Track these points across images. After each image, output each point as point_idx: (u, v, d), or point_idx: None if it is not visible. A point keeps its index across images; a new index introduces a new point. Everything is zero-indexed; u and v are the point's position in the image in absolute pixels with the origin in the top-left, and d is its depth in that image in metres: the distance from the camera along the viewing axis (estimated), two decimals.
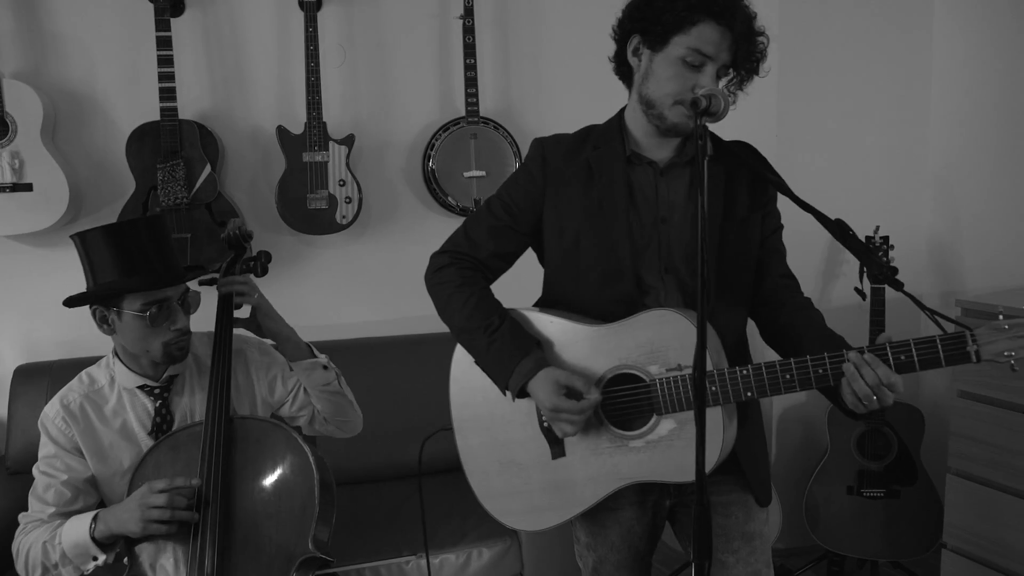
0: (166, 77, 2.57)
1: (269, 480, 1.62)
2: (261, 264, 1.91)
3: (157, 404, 1.74)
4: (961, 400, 2.38)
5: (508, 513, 1.61)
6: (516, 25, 2.98)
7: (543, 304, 1.65)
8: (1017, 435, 2.23)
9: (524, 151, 2.90)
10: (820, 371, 1.36)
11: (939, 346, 1.29)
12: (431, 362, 2.86)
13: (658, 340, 1.46)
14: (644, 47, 1.47)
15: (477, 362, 1.55)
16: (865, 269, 1.44)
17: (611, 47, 3.04)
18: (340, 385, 1.84)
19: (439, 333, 2.93)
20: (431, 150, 2.87)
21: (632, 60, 1.52)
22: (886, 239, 2.68)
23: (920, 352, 1.31)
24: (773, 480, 1.68)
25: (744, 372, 1.40)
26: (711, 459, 1.43)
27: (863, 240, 1.48)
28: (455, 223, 2.94)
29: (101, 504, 1.74)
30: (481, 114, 2.87)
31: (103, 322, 1.68)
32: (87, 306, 1.68)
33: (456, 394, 1.65)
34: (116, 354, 1.76)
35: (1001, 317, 1.28)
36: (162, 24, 2.56)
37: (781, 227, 1.62)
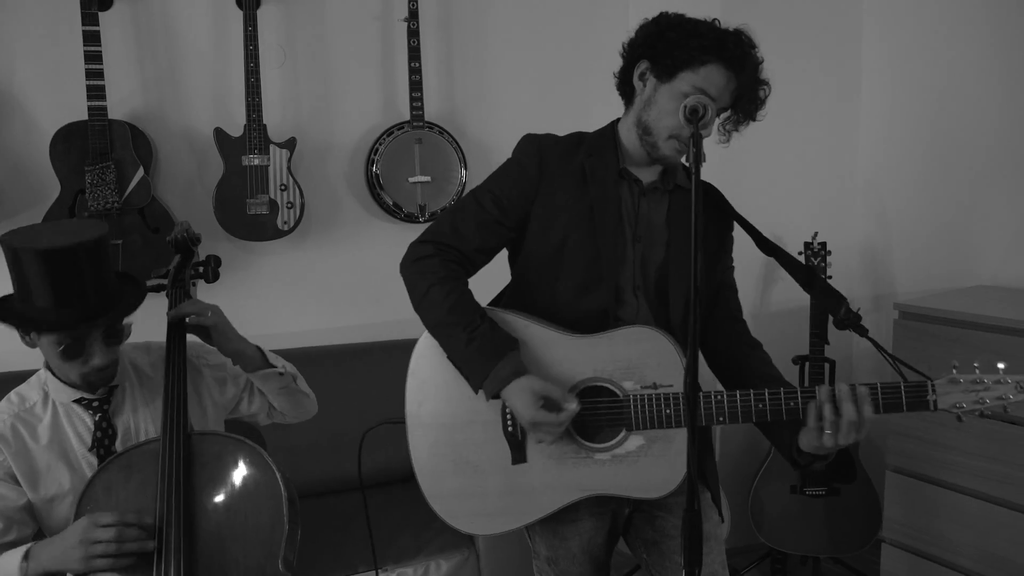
0: (94, 74, 2.43)
1: (234, 499, 1.51)
2: (211, 269, 1.81)
3: (96, 417, 1.62)
4: None
5: (457, 515, 1.56)
6: (460, 29, 2.95)
7: (505, 304, 1.62)
8: (951, 432, 2.34)
9: (469, 156, 2.93)
10: (791, 404, 1.41)
11: (903, 393, 1.37)
12: (376, 370, 2.81)
13: (636, 357, 1.46)
14: (651, 75, 1.49)
15: (451, 358, 1.50)
16: (831, 315, 1.49)
17: (553, 53, 3.08)
18: (297, 384, 1.77)
19: (383, 341, 2.91)
20: (375, 154, 2.81)
21: (637, 83, 1.53)
22: (823, 245, 2.77)
23: (885, 396, 1.37)
24: (720, 482, 1.71)
25: (719, 398, 1.42)
26: (679, 475, 1.45)
27: (828, 284, 1.55)
28: (399, 229, 2.94)
29: (39, 534, 1.61)
30: (426, 119, 2.83)
31: (25, 335, 1.55)
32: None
33: (414, 388, 1.58)
34: (47, 367, 1.63)
35: (955, 371, 1.37)
36: (89, 18, 2.42)
37: (733, 267, 1.68)
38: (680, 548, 1.52)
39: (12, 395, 1.63)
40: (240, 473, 1.54)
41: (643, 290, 1.54)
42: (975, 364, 1.37)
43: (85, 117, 2.43)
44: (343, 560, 2.24)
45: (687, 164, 1.52)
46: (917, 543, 2.48)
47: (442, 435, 1.56)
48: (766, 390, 1.41)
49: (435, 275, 1.51)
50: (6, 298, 1.54)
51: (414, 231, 2.90)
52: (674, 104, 1.43)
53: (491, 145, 3.04)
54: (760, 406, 1.41)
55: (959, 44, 2.80)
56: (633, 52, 1.53)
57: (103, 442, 1.61)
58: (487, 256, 1.60)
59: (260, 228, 2.66)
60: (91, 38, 2.42)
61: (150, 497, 1.49)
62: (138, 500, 1.49)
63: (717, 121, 1.50)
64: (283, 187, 2.67)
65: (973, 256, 2.82)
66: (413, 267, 1.55)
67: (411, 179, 2.83)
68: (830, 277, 2.75)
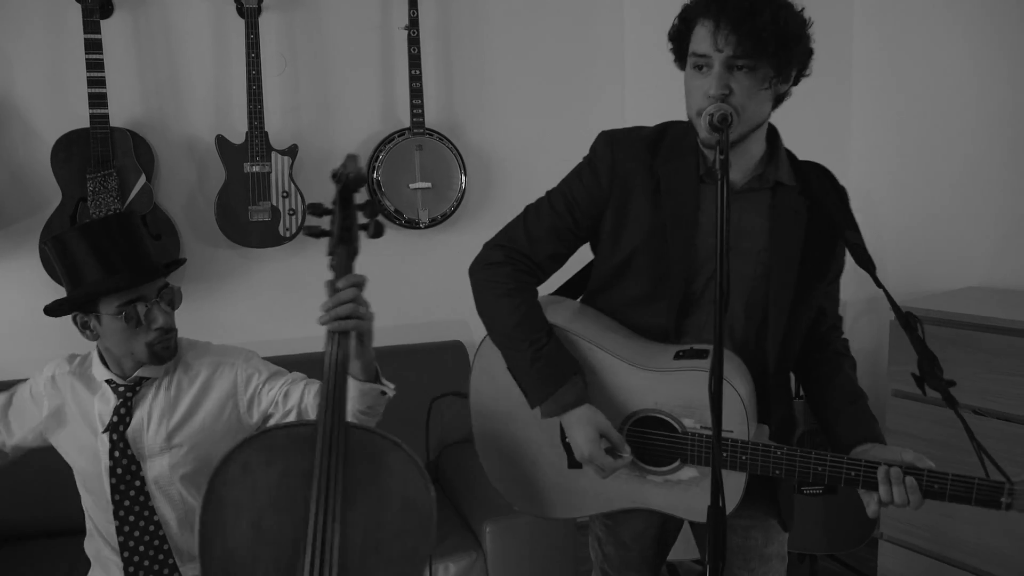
0: (96, 82, 2.42)
1: (381, 510, 1.31)
2: (375, 223, 1.38)
3: (119, 402, 1.66)
4: (896, 399, 2.52)
5: (516, 498, 1.62)
6: (459, 37, 2.98)
7: (588, 292, 1.60)
8: (950, 430, 2.38)
9: (468, 163, 2.95)
10: (852, 474, 1.36)
11: (974, 489, 1.31)
12: None
13: (697, 399, 1.42)
14: (682, 67, 1.41)
15: (512, 371, 1.50)
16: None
17: (550, 59, 3.11)
18: (379, 412, 1.64)
19: (385, 347, 2.92)
20: (376, 161, 2.82)
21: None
22: None
23: (954, 488, 1.33)
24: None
25: (778, 453, 1.39)
26: (730, 507, 1.40)
27: (923, 341, 1.39)
28: (400, 235, 2.96)
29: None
30: (426, 125, 2.85)
31: (85, 328, 1.63)
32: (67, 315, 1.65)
33: (479, 381, 1.61)
34: (98, 351, 1.71)
35: None
36: (91, 26, 2.42)
37: (842, 271, 1.55)
38: (739, 563, 1.57)
39: (80, 356, 1.74)
40: (393, 482, 1.33)
41: (733, 305, 1.44)
42: None
43: (86, 125, 2.43)
44: None
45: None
46: (916, 539, 2.53)
47: (504, 427, 1.59)
48: (828, 456, 1.36)
49: (505, 285, 1.49)
50: (63, 299, 1.62)
51: (415, 237, 2.99)
52: (689, 83, 1.36)
53: (491, 151, 3.07)
54: (819, 469, 1.36)
55: (949, 49, 2.87)
56: (675, 56, 1.44)
57: (117, 427, 1.65)
58: (559, 263, 1.56)
59: (262, 235, 2.66)
60: (93, 46, 2.42)
61: (294, 491, 1.29)
62: (279, 491, 1.30)
63: (746, 78, 1.30)
64: (285, 194, 2.68)
65: (963, 258, 2.88)
66: (483, 272, 1.53)
67: (412, 185, 2.85)
68: None
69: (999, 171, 2.75)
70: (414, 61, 2.79)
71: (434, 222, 2.90)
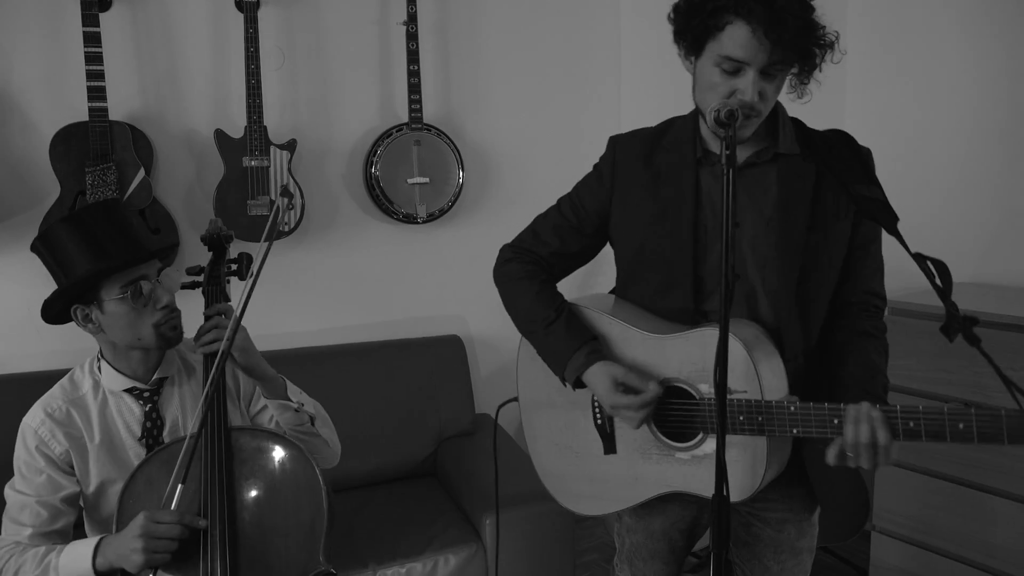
0: (95, 75, 2.42)
1: (276, 493, 1.53)
2: (245, 266, 1.76)
3: (147, 408, 1.64)
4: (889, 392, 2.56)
5: (564, 493, 1.65)
6: (457, 32, 2.99)
7: (616, 292, 1.65)
8: None
9: (466, 158, 2.97)
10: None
11: (1004, 421, 1.20)
12: (375, 371, 2.84)
13: (709, 360, 1.39)
14: (688, 54, 1.39)
15: (538, 351, 1.56)
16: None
17: (548, 54, 3.13)
18: (314, 426, 1.75)
19: (382, 341, 2.94)
20: (374, 156, 2.83)
21: (686, 64, 1.42)
22: None
23: (980, 423, 1.22)
24: None
25: (792, 409, 1.34)
26: (757, 481, 1.43)
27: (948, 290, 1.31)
28: (398, 230, 2.97)
29: (78, 523, 1.63)
30: (424, 121, 2.86)
31: (87, 320, 1.58)
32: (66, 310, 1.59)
33: (521, 376, 1.67)
34: (100, 356, 1.65)
35: None
36: (90, 19, 2.41)
37: (876, 238, 1.50)
38: (769, 554, 1.58)
39: (65, 381, 1.65)
40: (281, 468, 1.55)
41: (743, 279, 1.45)
42: None
43: (85, 118, 2.43)
44: (358, 557, 2.26)
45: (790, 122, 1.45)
46: (908, 531, 2.56)
47: (548, 418, 1.64)
48: (842, 406, 1.30)
49: (514, 277, 1.59)
50: (61, 290, 1.56)
51: (412, 232, 3.00)
52: (710, 79, 1.33)
53: (488, 147, 3.08)
54: (836, 421, 1.31)
55: (941, 47, 2.90)
56: (674, 37, 1.41)
57: (152, 433, 1.63)
58: (570, 259, 1.62)
59: (261, 229, 2.67)
60: (91, 39, 2.41)
61: (191, 491, 1.49)
62: (183, 497, 1.48)
63: (775, 83, 1.33)
64: (283, 188, 2.69)
65: (955, 254, 2.92)
66: (498, 272, 1.64)
67: (410, 180, 2.86)
68: None
69: (990, 167, 2.79)
70: (412, 57, 2.80)
71: (432, 217, 2.91)
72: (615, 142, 1.57)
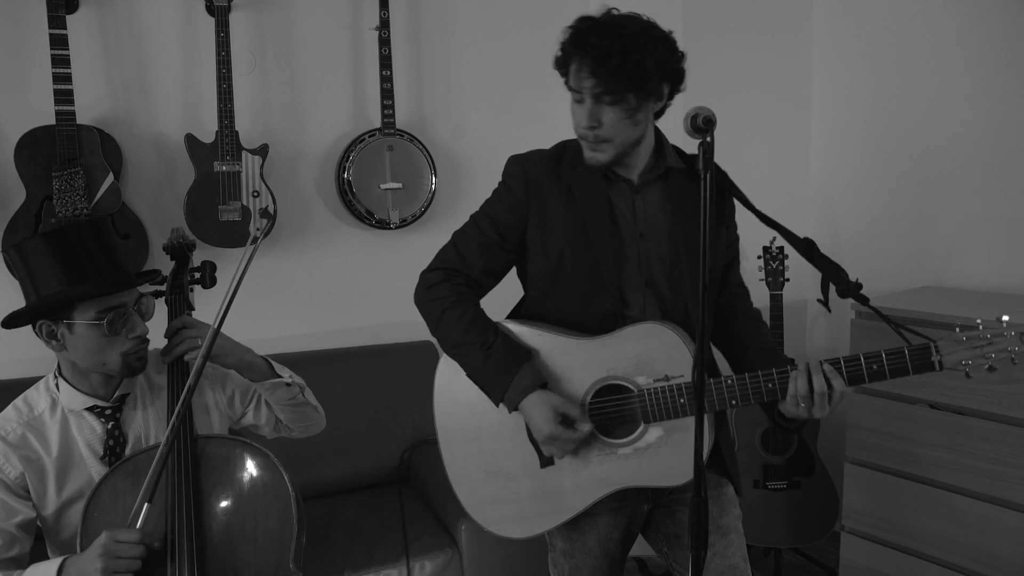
0: (62, 79, 2.38)
1: (243, 502, 1.53)
2: (208, 275, 1.81)
3: (109, 426, 1.60)
4: (856, 395, 2.61)
5: (495, 522, 1.63)
6: (428, 37, 2.99)
7: (523, 315, 1.67)
8: (908, 424, 2.48)
9: (439, 163, 2.97)
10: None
11: (907, 357, 1.42)
12: (347, 377, 2.82)
13: (645, 352, 1.52)
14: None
15: (470, 375, 1.57)
16: (833, 284, 1.53)
17: (519, 60, 3.15)
18: (305, 396, 1.78)
19: (355, 347, 2.93)
20: (346, 161, 2.82)
21: None
22: (781, 249, 2.90)
23: (891, 362, 1.43)
24: None
25: (729, 382, 1.49)
26: (706, 449, 1.49)
27: (827, 256, 1.58)
28: (370, 235, 2.96)
29: (35, 548, 1.58)
30: (397, 126, 2.86)
31: (51, 337, 1.53)
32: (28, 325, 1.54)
33: (441, 406, 1.65)
34: (58, 374, 1.60)
35: (958, 330, 1.43)
36: (56, 21, 2.38)
37: (738, 238, 1.73)
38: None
39: (19, 402, 1.60)
40: (248, 475, 1.55)
41: (654, 285, 1.58)
42: (978, 320, 1.42)
43: (52, 122, 2.38)
44: (332, 564, 2.25)
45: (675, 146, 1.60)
46: (876, 531, 2.61)
47: (472, 448, 1.62)
48: (774, 371, 1.47)
49: (447, 299, 1.59)
50: (34, 304, 1.51)
51: (385, 237, 2.99)
52: (572, 109, 1.52)
53: (461, 152, 3.09)
54: (770, 386, 1.47)
55: (908, 50, 2.95)
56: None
57: (115, 450, 1.60)
58: (494, 277, 1.65)
59: (232, 234, 2.64)
60: (58, 41, 2.37)
61: (158, 502, 1.47)
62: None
63: (613, 110, 1.46)
64: (255, 193, 2.66)
65: (918, 257, 2.99)
66: (425, 295, 1.63)
67: (382, 186, 2.86)
68: (787, 280, 2.88)
69: (957, 172, 2.84)
70: (385, 62, 2.80)
71: (404, 222, 2.91)
72: (522, 160, 1.63)
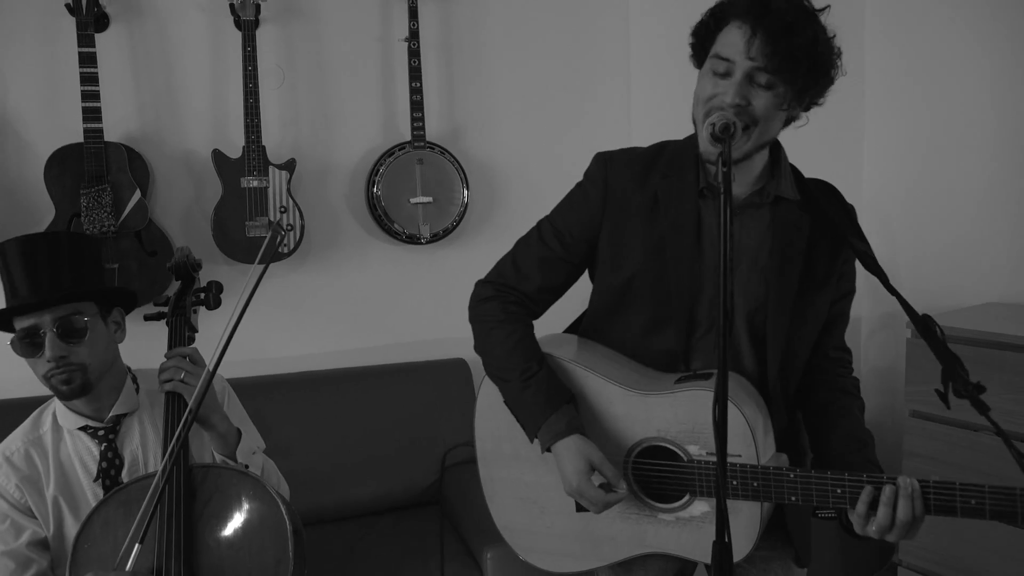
0: (90, 96, 2.38)
1: (236, 535, 1.46)
2: (213, 296, 1.75)
3: (103, 447, 1.56)
4: (913, 419, 2.43)
5: (527, 550, 1.53)
6: (460, 49, 2.92)
7: (585, 326, 1.54)
8: (968, 452, 2.29)
9: (471, 177, 2.89)
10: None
11: (1019, 499, 1.18)
12: (377, 396, 2.76)
13: (700, 421, 1.34)
14: (698, 67, 1.33)
15: (507, 403, 1.45)
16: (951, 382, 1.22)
17: (553, 70, 3.05)
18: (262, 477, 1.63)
19: (385, 365, 2.86)
20: (376, 175, 2.76)
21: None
22: None
23: (993, 500, 1.21)
24: None
25: (791, 476, 1.28)
26: (746, 547, 1.36)
27: (945, 343, 1.24)
28: (400, 250, 2.90)
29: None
30: (427, 139, 2.79)
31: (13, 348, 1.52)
32: None
33: (481, 426, 1.55)
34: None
35: None
36: (85, 39, 2.38)
37: (853, 291, 1.46)
38: None
39: (28, 420, 1.61)
40: (243, 507, 1.48)
41: (736, 325, 1.38)
42: None
43: (80, 139, 2.38)
44: None
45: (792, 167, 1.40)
46: (935, 566, 2.42)
47: (509, 473, 1.52)
48: (846, 475, 1.24)
49: (494, 319, 1.46)
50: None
51: (416, 253, 2.92)
52: (701, 81, 1.28)
53: (493, 164, 3.00)
54: (839, 491, 1.24)
55: (963, 63, 2.79)
56: (692, 58, 1.35)
57: (109, 472, 1.56)
58: (553, 293, 1.51)
59: (258, 250, 2.60)
60: (87, 59, 2.37)
61: (150, 541, 1.41)
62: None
63: (763, 97, 1.24)
64: (283, 209, 2.62)
65: (981, 274, 2.79)
66: (476, 310, 1.51)
67: (412, 200, 2.79)
68: None
69: (1015, 184, 2.66)
70: (414, 73, 2.74)
71: (436, 237, 2.84)
72: (606, 159, 1.44)
